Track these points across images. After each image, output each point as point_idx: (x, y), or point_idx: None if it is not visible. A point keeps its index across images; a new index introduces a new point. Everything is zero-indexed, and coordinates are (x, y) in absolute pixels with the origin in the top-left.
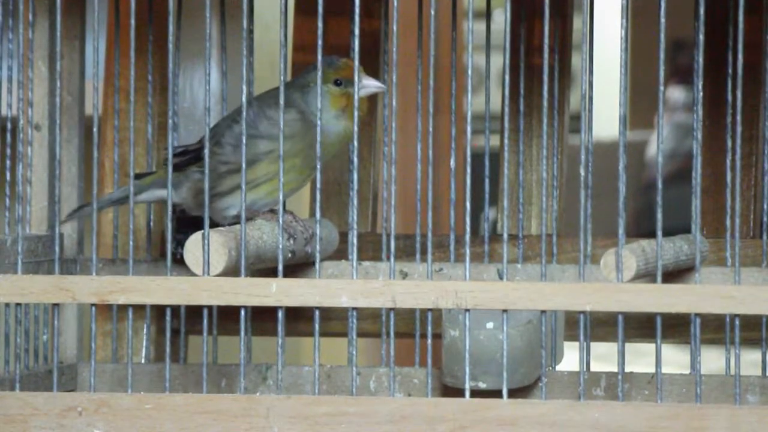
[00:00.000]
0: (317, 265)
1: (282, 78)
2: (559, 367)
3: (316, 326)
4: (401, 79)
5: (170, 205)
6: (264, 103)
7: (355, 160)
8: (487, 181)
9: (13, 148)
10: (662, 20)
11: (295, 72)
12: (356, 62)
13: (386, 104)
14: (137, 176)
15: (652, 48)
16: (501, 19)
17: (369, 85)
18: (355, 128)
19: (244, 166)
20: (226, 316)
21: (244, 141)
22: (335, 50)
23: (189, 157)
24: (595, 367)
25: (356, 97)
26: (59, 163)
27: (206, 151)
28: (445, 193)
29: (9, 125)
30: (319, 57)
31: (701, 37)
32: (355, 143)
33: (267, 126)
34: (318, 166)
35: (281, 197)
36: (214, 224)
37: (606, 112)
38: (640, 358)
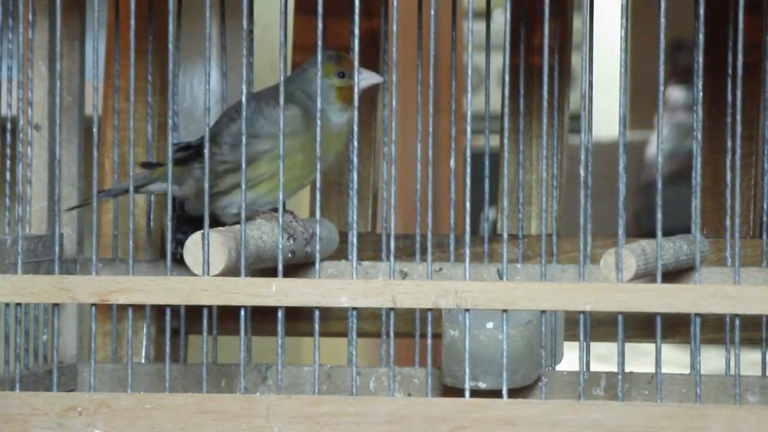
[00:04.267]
0: (317, 265)
1: (282, 78)
2: (559, 367)
3: (316, 326)
4: (401, 79)
5: (170, 205)
6: (262, 101)
7: (355, 160)
8: (487, 181)
9: (13, 148)
10: (662, 20)
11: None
12: (356, 62)
13: (386, 104)
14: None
15: (652, 48)
16: (501, 19)
17: (368, 76)
18: (355, 127)
19: (243, 166)
20: (226, 316)
21: (244, 141)
22: (335, 50)
23: (191, 152)
24: (595, 367)
25: (356, 97)
26: (59, 163)
27: (206, 151)
28: (445, 193)
29: (9, 125)
30: (319, 57)
31: (701, 37)
32: (355, 143)
33: (265, 125)
34: (318, 166)
35: (281, 196)
36: (215, 223)
37: (606, 112)
38: (640, 358)
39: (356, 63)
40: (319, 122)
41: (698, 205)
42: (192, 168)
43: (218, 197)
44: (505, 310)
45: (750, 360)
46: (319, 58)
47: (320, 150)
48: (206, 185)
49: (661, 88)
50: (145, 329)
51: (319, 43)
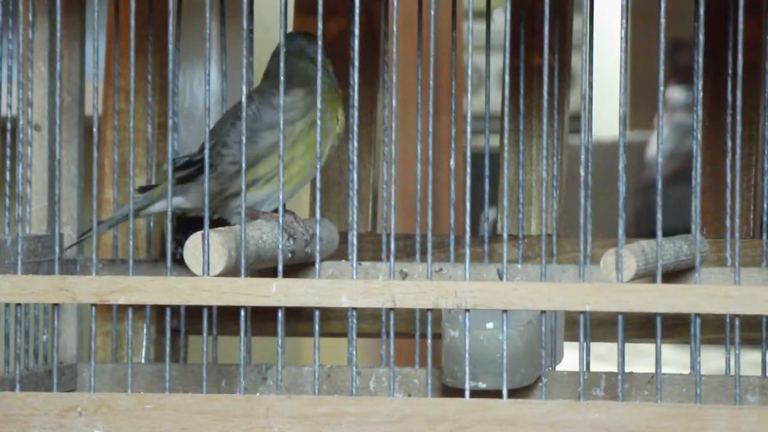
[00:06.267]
0: (317, 265)
1: (282, 78)
2: (559, 367)
3: (316, 326)
4: (401, 79)
5: (170, 206)
6: (266, 92)
7: (355, 160)
8: (487, 181)
9: (13, 148)
10: (662, 20)
11: None
12: (356, 62)
13: (386, 104)
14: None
15: (652, 48)
16: (501, 19)
17: None
18: (355, 127)
19: (243, 165)
20: (226, 316)
21: (243, 141)
22: (335, 50)
23: (194, 169)
24: (595, 367)
25: (356, 96)
26: (59, 163)
27: (206, 151)
28: (445, 193)
29: (9, 125)
30: (319, 57)
31: (701, 37)
32: (355, 143)
33: (272, 115)
34: (318, 166)
35: (281, 197)
36: (215, 224)
37: (606, 112)
38: (640, 358)
39: (356, 63)
40: (319, 122)
41: (698, 205)
42: (196, 180)
43: (231, 199)
44: (505, 310)
45: (750, 360)
46: (319, 58)
47: (320, 150)
48: (206, 186)
49: (661, 88)
50: (145, 329)
51: (320, 43)
